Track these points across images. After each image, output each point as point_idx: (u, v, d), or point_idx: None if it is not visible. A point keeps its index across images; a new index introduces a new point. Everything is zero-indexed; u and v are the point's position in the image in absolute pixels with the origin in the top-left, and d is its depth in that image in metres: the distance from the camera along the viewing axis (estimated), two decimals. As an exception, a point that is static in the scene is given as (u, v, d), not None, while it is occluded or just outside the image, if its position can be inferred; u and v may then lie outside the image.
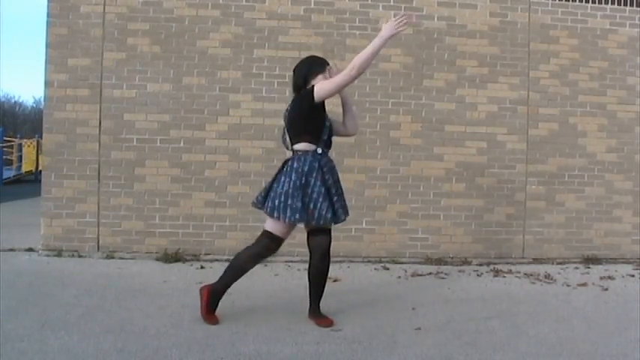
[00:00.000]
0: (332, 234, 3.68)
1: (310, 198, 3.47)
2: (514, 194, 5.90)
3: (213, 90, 5.57)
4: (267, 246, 3.58)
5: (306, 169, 3.49)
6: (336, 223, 3.61)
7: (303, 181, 3.47)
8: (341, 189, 3.65)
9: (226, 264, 5.52)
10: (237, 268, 3.63)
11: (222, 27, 5.59)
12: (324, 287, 3.68)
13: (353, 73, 3.41)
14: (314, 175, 3.48)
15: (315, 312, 3.64)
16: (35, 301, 3.92)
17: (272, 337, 3.29)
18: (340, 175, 3.71)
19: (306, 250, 3.69)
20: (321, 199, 3.46)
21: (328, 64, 3.68)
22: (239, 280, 4.75)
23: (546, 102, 5.94)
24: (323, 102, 3.55)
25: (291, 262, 5.27)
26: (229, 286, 3.64)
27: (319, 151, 3.53)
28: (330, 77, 3.56)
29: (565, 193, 5.98)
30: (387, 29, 3.43)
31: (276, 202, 3.49)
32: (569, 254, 5.94)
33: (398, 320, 3.70)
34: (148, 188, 5.53)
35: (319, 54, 5.45)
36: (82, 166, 5.48)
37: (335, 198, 3.55)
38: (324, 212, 3.46)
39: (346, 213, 3.66)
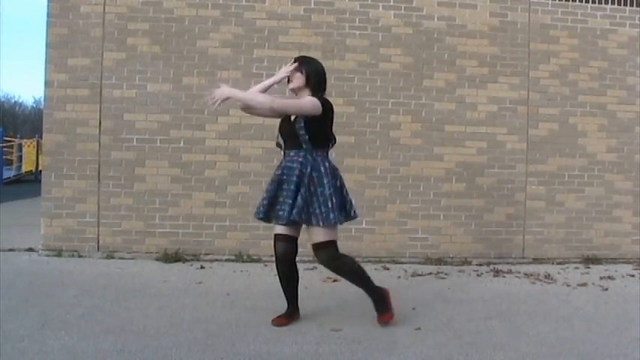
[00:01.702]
0: (298, 242, 3.57)
1: None
2: (514, 194, 5.90)
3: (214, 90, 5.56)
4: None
5: None
6: (268, 222, 3.56)
7: None
8: (308, 195, 3.39)
9: (226, 264, 5.53)
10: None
11: (222, 27, 5.59)
12: (296, 291, 3.66)
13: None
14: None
15: (289, 313, 3.62)
16: (35, 301, 3.91)
17: (272, 337, 3.29)
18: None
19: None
20: (264, 194, 3.55)
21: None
22: (239, 280, 4.79)
23: (546, 102, 5.94)
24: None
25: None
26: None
27: (283, 153, 3.60)
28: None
29: (565, 193, 5.98)
30: (280, 72, 3.60)
31: None
32: (569, 254, 5.94)
33: (398, 320, 3.69)
34: (148, 188, 5.53)
35: (319, 54, 5.51)
36: (82, 166, 5.49)
37: (280, 199, 3.45)
38: (261, 207, 3.53)
39: (285, 218, 3.38)
